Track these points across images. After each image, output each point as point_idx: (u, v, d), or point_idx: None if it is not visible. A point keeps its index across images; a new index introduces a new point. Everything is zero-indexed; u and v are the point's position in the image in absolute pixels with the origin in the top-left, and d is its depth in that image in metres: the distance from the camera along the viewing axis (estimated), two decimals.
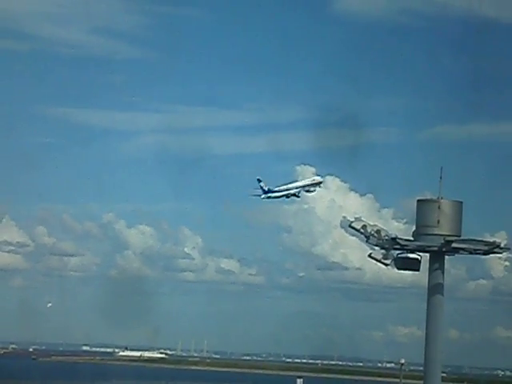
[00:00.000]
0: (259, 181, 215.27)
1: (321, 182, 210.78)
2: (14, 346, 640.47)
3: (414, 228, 53.36)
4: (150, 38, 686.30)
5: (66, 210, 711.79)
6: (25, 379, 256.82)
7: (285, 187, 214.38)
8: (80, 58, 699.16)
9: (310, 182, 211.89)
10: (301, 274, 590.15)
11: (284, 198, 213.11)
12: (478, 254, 53.61)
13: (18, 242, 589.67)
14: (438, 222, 52.29)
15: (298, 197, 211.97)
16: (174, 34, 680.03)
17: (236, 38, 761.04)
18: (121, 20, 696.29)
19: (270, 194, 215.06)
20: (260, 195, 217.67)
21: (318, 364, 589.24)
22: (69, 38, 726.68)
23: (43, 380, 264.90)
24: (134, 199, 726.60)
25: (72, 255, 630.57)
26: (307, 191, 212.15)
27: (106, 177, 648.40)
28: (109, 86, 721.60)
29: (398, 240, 52.25)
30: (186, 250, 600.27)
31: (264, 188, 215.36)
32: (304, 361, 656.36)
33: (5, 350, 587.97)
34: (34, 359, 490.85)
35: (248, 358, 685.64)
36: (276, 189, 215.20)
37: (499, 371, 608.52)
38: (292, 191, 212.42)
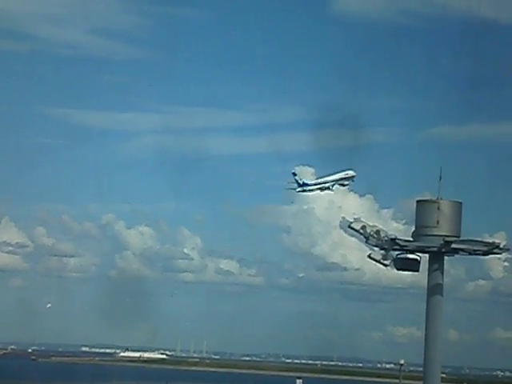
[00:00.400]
0: (294, 174, 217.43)
1: (354, 176, 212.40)
2: (13, 346, 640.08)
3: (413, 228, 53.37)
4: (149, 39, 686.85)
5: (66, 211, 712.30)
6: (24, 380, 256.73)
7: (319, 181, 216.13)
8: (79, 59, 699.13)
9: (343, 176, 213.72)
10: (300, 275, 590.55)
11: (318, 191, 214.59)
12: (478, 254, 53.63)
13: (17, 243, 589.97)
14: (438, 222, 52.30)
15: (332, 190, 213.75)
16: (173, 34, 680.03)
17: (235, 39, 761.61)
18: (119, 20, 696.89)
19: (304, 188, 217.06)
20: (295, 189, 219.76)
21: (317, 364, 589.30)
22: (68, 39, 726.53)
23: (43, 381, 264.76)
24: (134, 200, 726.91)
25: (71, 256, 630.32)
26: (341, 185, 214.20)
27: (106, 177, 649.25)
28: (108, 86, 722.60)
29: (397, 240, 52.28)
30: (185, 250, 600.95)
31: (299, 181, 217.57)
32: (303, 361, 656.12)
33: (4, 351, 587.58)
34: (33, 360, 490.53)
35: (247, 358, 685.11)
36: (310, 182, 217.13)
37: (499, 372, 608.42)
38: (326, 185, 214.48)
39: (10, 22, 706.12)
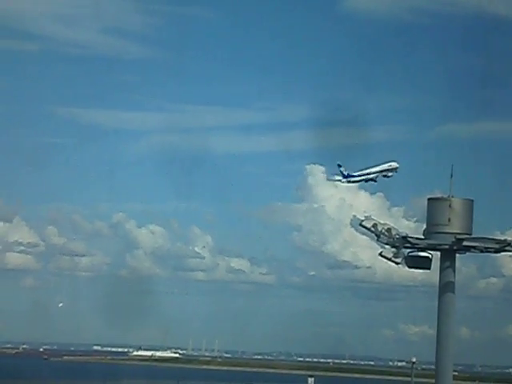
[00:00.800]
0: (339, 166, 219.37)
1: (397, 168, 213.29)
2: (24, 346, 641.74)
3: (424, 226, 53.27)
4: (159, 38, 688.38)
5: (77, 210, 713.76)
6: (37, 379, 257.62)
7: (364, 172, 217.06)
8: (89, 58, 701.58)
9: (387, 168, 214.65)
10: (311, 273, 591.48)
11: (363, 182, 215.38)
12: (489, 252, 53.49)
13: (28, 243, 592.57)
14: (449, 220, 52.20)
15: (375, 181, 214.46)
16: (183, 33, 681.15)
17: (243, 37, 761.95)
18: (130, 20, 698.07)
19: (349, 179, 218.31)
20: (340, 180, 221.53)
21: (329, 363, 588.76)
22: (78, 39, 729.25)
23: (55, 380, 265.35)
24: (144, 199, 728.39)
25: (82, 255, 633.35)
26: (384, 176, 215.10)
27: (116, 177, 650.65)
28: (118, 85, 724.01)
29: (408, 238, 52.19)
30: (196, 249, 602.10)
31: (344, 173, 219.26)
32: (315, 360, 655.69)
33: (16, 351, 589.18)
34: (45, 359, 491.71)
35: (259, 357, 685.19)
36: (355, 174, 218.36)
37: (511, 369, 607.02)
38: (370, 176, 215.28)
39: (20, 22, 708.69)
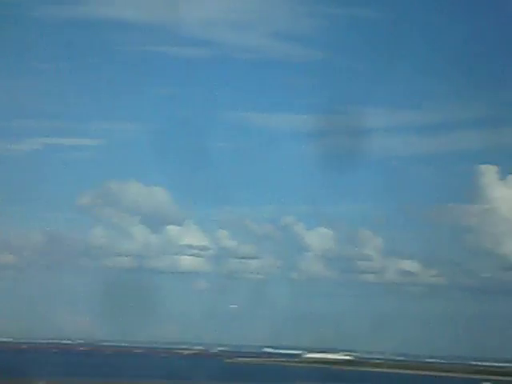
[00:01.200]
0: None
1: None
2: (200, 347, 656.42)
3: None
4: (326, 40, 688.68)
5: (246, 213, 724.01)
6: (214, 380, 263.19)
7: None
8: (258, 63, 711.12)
9: None
10: (485, 275, 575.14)
11: None
12: None
13: (200, 246, 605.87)
14: None
15: None
16: (349, 35, 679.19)
17: (412, 37, 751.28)
18: (296, 23, 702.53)
19: None
20: None
21: (507, 367, 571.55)
22: (247, 44, 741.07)
23: (231, 382, 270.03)
24: (313, 201, 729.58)
25: (252, 258, 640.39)
26: None
27: (285, 179, 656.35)
28: (287, 89, 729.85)
29: None
30: (365, 251, 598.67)
31: None
32: (495, 364, 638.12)
33: (193, 352, 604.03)
34: (219, 360, 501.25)
35: (432, 360, 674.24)
36: None
37: None
38: None
39: (188, 29, 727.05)
